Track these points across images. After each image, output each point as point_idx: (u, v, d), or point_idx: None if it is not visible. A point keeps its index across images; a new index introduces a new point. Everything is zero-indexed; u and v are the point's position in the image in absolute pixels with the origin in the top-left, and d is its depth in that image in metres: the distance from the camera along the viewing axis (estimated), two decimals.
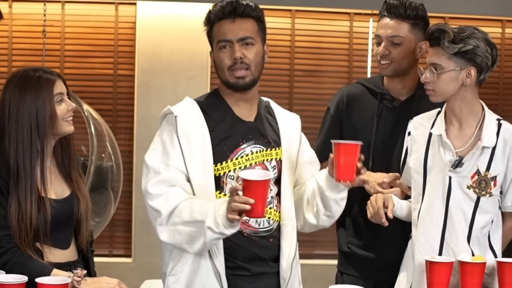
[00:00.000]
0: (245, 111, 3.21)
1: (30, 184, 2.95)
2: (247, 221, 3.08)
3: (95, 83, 7.09)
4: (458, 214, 3.25)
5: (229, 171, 3.12)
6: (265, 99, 3.35)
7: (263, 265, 3.17)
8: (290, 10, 7.14)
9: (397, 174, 3.54)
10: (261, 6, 3.22)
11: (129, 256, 7.17)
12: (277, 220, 3.18)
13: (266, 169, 3.15)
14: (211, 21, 3.20)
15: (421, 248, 3.29)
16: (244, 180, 2.77)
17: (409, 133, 3.44)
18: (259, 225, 3.13)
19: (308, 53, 7.27)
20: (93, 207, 3.38)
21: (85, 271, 2.95)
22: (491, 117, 3.28)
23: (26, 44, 6.98)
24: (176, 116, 3.13)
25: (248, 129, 3.17)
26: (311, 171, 3.26)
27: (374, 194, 3.40)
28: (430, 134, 3.31)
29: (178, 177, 3.08)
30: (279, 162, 3.19)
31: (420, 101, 3.62)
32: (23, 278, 2.65)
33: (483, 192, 3.22)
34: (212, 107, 3.22)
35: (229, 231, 2.88)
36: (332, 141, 2.91)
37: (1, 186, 2.95)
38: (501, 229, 3.36)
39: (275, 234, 3.18)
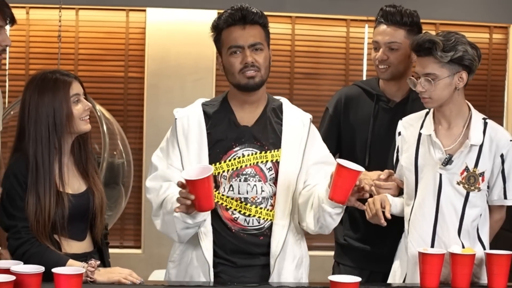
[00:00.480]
0: (247, 114, 3.20)
1: (49, 180, 2.96)
2: (235, 219, 3.12)
3: (107, 85, 7.07)
4: (449, 209, 3.25)
5: (223, 171, 3.14)
6: (281, 99, 3.32)
7: (252, 258, 3.17)
8: (290, 17, 7.12)
9: (391, 171, 3.49)
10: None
11: (139, 247, 7.16)
12: (271, 219, 3.14)
13: (261, 170, 3.13)
14: (219, 27, 3.17)
15: (414, 241, 3.28)
16: (185, 179, 2.77)
17: (399, 133, 3.44)
18: (247, 223, 3.15)
19: (307, 57, 7.25)
20: (106, 202, 3.37)
21: (98, 262, 2.98)
22: (477, 117, 3.30)
23: (42, 48, 6.96)
24: (176, 119, 3.19)
25: (241, 133, 3.17)
26: (325, 170, 3.16)
27: (372, 198, 3.34)
28: (420, 134, 3.30)
29: (175, 174, 3.11)
30: (276, 163, 3.15)
31: (413, 102, 3.60)
32: (40, 268, 2.64)
33: (472, 188, 3.23)
34: (215, 110, 3.23)
35: (193, 221, 2.93)
36: (337, 160, 2.87)
37: (21, 181, 2.96)
38: (488, 224, 3.36)
39: (266, 232, 3.17)
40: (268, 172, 3.16)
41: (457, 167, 3.24)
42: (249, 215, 3.15)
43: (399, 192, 3.52)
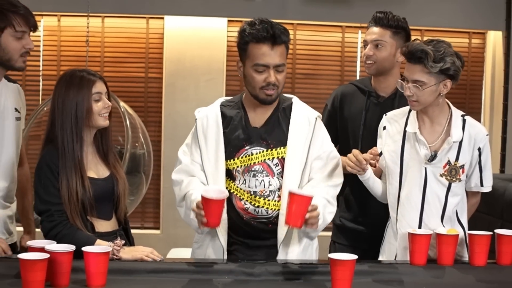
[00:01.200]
0: (258, 116, 3.17)
1: (73, 164, 2.98)
2: (247, 209, 3.14)
3: (130, 84, 7.04)
4: (434, 198, 3.26)
5: (237, 167, 3.14)
6: (292, 98, 3.27)
7: (262, 240, 3.15)
8: (292, 23, 7.08)
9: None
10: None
11: (157, 228, 7.15)
12: (278, 209, 3.12)
13: (268, 166, 3.12)
14: (246, 39, 3.07)
15: (403, 228, 3.27)
16: (201, 195, 2.84)
17: (384, 127, 3.40)
18: (257, 213, 3.14)
19: (307, 60, 7.22)
20: (129, 188, 3.41)
21: (123, 241, 2.98)
22: (456, 114, 3.30)
23: (72, 51, 6.94)
24: (196, 119, 3.19)
25: (250, 133, 3.15)
26: (323, 167, 3.15)
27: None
28: (405, 132, 3.29)
29: (195, 168, 3.17)
30: (282, 160, 3.12)
31: (400, 98, 3.59)
32: (71, 247, 2.64)
33: (454, 179, 3.25)
34: (231, 111, 3.20)
35: (202, 232, 3.17)
36: (289, 189, 2.86)
37: (53, 169, 2.96)
38: (466, 207, 3.38)
39: (275, 221, 3.15)
40: (275, 167, 3.13)
41: (440, 161, 3.24)
42: (258, 206, 3.14)
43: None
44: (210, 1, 6.78)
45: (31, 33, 3.20)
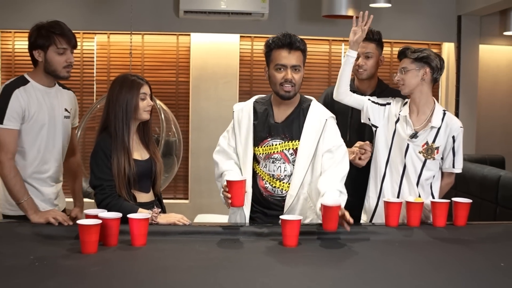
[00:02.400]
0: (281, 112, 3.12)
1: (122, 147, 2.98)
2: (266, 188, 3.12)
3: (164, 86, 6.99)
4: (411, 169, 3.29)
5: (260, 154, 3.12)
6: (312, 100, 3.20)
7: (276, 211, 3.09)
8: None
9: (367, 142, 3.47)
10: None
11: (186, 199, 7.11)
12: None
13: (285, 155, 3.09)
14: (270, 47, 3.06)
15: (389, 190, 3.35)
16: (226, 180, 2.87)
17: (388, 103, 3.42)
18: (274, 192, 3.12)
19: None
20: (164, 167, 3.41)
21: (160, 209, 3.00)
22: (439, 108, 3.33)
23: (119, 61, 6.90)
24: (233, 111, 3.19)
25: (272, 128, 3.11)
26: (332, 158, 3.05)
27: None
28: (399, 115, 3.33)
29: (230, 150, 3.17)
30: (295, 150, 3.06)
31: (379, 95, 3.56)
32: (119, 215, 2.66)
33: (429, 157, 3.27)
34: (261, 107, 3.17)
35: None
36: (322, 203, 2.75)
37: (106, 153, 2.97)
38: (439, 182, 3.39)
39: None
40: (291, 156, 3.08)
41: (420, 141, 3.27)
42: (275, 187, 3.10)
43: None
44: (226, 21, 6.73)
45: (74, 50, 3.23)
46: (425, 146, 3.27)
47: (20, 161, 3.14)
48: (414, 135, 3.26)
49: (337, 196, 2.88)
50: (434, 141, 3.27)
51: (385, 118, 3.38)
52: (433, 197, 3.32)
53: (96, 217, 2.62)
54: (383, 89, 3.68)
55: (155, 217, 2.92)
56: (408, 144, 3.28)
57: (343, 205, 2.84)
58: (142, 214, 2.75)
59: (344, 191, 3.00)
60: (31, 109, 3.10)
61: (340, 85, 3.46)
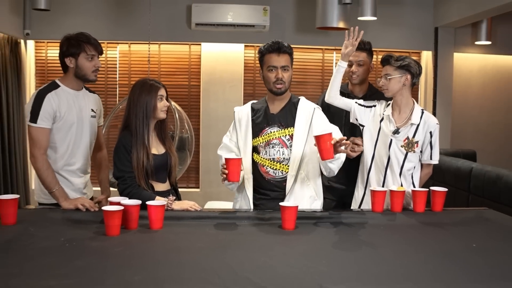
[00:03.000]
0: (275, 106, 3.17)
1: (142, 143, 2.98)
2: (268, 172, 3.13)
3: (178, 89, 6.97)
4: (395, 161, 3.28)
5: (260, 143, 3.14)
6: (300, 98, 3.24)
7: (280, 194, 3.10)
8: None
9: (359, 138, 3.45)
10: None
11: (198, 187, 7.10)
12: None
13: (283, 141, 3.11)
14: (263, 53, 3.13)
15: (374, 180, 3.33)
16: (224, 158, 2.89)
17: (374, 106, 3.41)
18: (275, 174, 3.13)
19: (298, 72, 7.10)
20: (178, 160, 3.36)
21: (174, 197, 3.01)
22: (417, 108, 3.33)
23: (138, 67, 6.89)
24: (234, 112, 3.24)
25: (270, 118, 3.15)
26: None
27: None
28: (383, 115, 3.33)
29: (231, 144, 3.19)
30: (291, 136, 3.09)
31: (370, 97, 3.57)
32: (139, 202, 2.65)
33: (410, 150, 3.27)
34: (258, 106, 3.22)
35: (229, 185, 3.11)
36: (313, 135, 2.80)
37: (127, 148, 2.97)
38: (420, 173, 3.38)
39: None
40: (288, 141, 3.11)
41: (401, 136, 3.27)
42: (276, 169, 3.11)
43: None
44: (232, 32, 6.71)
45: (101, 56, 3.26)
46: (406, 140, 3.27)
47: (52, 155, 3.15)
48: (396, 131, 3.26)
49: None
50: (414, 136, 3.27)
51: (371, 118, 3.38)
52: (414, 186, 3.32)
53: (119, 204, 2.62)
54: (373, 92, 3.67)
55: (170, 204, 2.92)
56: (391, 140, 3.28)
57: (342, 157, 2.97)
58: (159, 201, 2.74)
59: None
60: (62, 110, 3.11)
61: (331, 90, 3.48)
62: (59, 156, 3.17)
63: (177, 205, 2.95)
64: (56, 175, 3.10)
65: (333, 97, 3.48)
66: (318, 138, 2.77)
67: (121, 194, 2.98)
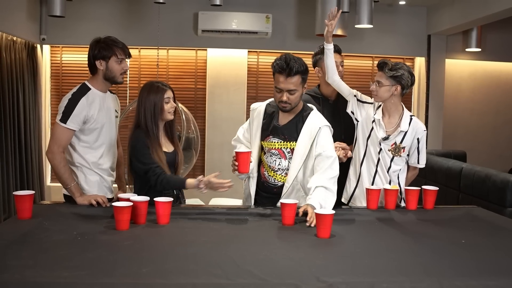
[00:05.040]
0: (284, 117, 3.07)
1: (156, 142, 3.00)
2: (264, 174, 3.13)
3: (185, 92, 6.97)
4: (383, 163, 3.24)
5: (265, 146, 3.12)
6: (313, 109, 3.10)
7: (276, 197, 3.07)
8: (289, 53, 6.98)
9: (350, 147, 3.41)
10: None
11: None
12: (283, 181, 3.07)
13: (283, 152, 3.06)
14: (273, 70, 2.96)
15: (366, 174, 3.29)
16: (235, 151, 2.95)
17: (371, 103, 3.33)
18: (268, 180, 3.12)
19: None
20: (184, 159, 3.42)
21: (202, 176, 2.97)
22: (407, 114, 3.27)
23: (148, 71, 6.88)
24: (251, 109, 3.20)
25: (274, 128, 3.08)
26: (321, 162, 2.94)
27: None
28: (374, 119, 3.26)
29: (244, 139, 3.22)
30: (292, 150, 3.03)
31: (341, 99, 3.48)
32: (146, 198, 2.65)
33: (396, 154, 3.24)
34: (270, 110, 3.15)
35: (240, 176, 3.11)
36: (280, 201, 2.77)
37: (144, 144, 2.99)
38: (405, 174, 3.35)
39: (277, 188, 3.10)
40: (288, 154, 3.05)
41: (390, 142, 3.22)
42: (270, 176, 3.09)
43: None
44: (236, 39, 6.71)
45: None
46: (394, 145, 3.21)
47: (87, 155, 3.13)
48: (386, 138, 3.20)
49: (320, 193, 2.82)
50: (401, 141, 3.21)
51: (365, 115, 3.32)
52: (399, 186, 3.28)
53: (128, 200, 2.62)
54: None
55: (202, 186, 2.87)
56: (380, 143, 3.23)
57: (330, 201, 2.82)
58: (166, 198, 2.69)
59: (332, 188, 2.88)
60: (94, 112, 3.09)
61: (328, 72, 3.36)
62: (93, 156, 3.14)
63: (210, 188, 2.88)
64: (71, 172, 3.09)
65: (331, 77, 3.36)
66: (283, 206, 2.67)
67: (155, 185, 2.96)
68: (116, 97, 3.40)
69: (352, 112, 3.36)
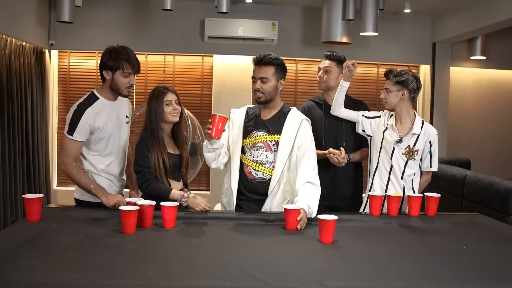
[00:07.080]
0: (267, 113, 3.18)
1: (158, 143, 3.03)
2: (250, 172, 3.14)
3: (191, 98, 7.03)
4: (396, 166, 3.34)
5: (247, 144, 3.17)
6: (292, 108, 3.22)
7: (260, 196, 3.12)
8: (295, 60, 7.03)
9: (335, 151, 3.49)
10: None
11: (208, 190, 7.14)
12: (270, 175, 3.10)
13: (268, 145, 3.12)
14: (253, 63, 3.14)
15: (378, 188, 3.38)
16: (212, 114, 2.95)
17: (378, 117, 3.46)
18: (257, 176, 3.13)
19: (305, 82, 7.13)
20: (190, 164, 3.38)
21: (190, 192, 3.04)
22: (418, 119, 3.39)
23: (154, 77, 6.93)
24: (230, 112, 3.24)
25: (258, 123, 3.16)
26: (303, 153, 3.06)
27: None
28: (387, 124, 3.38)
29: (224, 142, 3.17)
30: (277, 143, 3.10)
31: (346, 106, 3.58)
32: (153, 203, 2.68)
33: (410, 158, 3.32)
34: (252, 111, 3.24)
35: (210, 146, 3.05)
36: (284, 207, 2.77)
37: (147, 146, 3.03)
38: (419, 179, 3.43)
39: (267, 182, 3.12)
40: (273, 146, 3.12)
41: (403, 145, 3.33)
42: (258, 171, 3.12)
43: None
44: (242, 45, 6.75)
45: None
46: (407, 149, 3.32)
47: (95, 162, 3.15)
48: (399, 141, 3.32)
49: (303, 200, 2.87)
50: (414, 144, 3.32)
51: (375, 128, 3.44)
52: (414, 191, 3.35)
53: (135, 204, 2.66)
54: (347, 101, 3.60)
55: (185, 200, 2.95)
56: (394, 148, 3.33)
57: (316, 200, 2.91)
58: (172, 202, 2.74)
59: (317, 182, 3.01)
60: (101, 123, 3.10)
61: (335, 105, 3.53)
62: (103, 163, 3.17)
63: (190, 203, 2.97)
64: (87, 175, 3.11)
65: (337, 110, 3.54)
66: (287, 212, 2.71)
67: (140, 187, 3.03)
68: (128, 101, 3.41)
69: (363, 130, 3.48)
